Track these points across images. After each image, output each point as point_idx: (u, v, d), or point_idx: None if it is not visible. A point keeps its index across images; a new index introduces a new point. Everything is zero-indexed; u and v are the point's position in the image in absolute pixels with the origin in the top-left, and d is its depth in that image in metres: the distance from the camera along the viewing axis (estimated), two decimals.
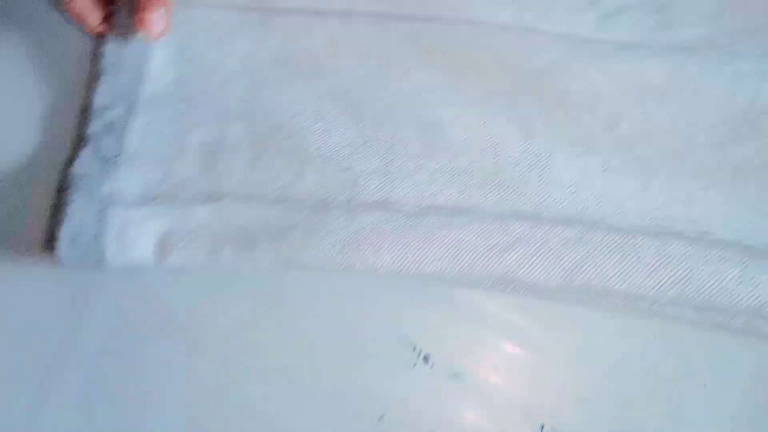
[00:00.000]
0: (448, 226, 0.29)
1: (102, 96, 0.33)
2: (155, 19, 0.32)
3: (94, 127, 0.33)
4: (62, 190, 0.32)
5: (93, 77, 0.35)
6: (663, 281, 0.28)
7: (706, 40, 0.32)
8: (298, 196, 0.31)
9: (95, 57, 0.35)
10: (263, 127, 0.33)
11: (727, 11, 0.33)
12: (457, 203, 0.30)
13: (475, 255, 0.29)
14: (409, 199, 0.30)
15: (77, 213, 0.31)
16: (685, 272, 0.28)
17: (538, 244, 0.29)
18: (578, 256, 0.28)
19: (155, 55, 0.34)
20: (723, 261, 0.28)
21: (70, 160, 0.33)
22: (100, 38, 0.35)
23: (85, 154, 0.32)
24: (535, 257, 0.28)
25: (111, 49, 0.34)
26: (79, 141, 0.33)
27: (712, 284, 0.28)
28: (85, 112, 0.34)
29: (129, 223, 0.31)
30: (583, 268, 0.28)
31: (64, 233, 0.30)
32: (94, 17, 0.34)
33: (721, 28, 0.32)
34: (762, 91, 0.30)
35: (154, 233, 0.31)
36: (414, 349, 0.31)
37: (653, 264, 0.28)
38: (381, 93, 0.33)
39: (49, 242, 0.31)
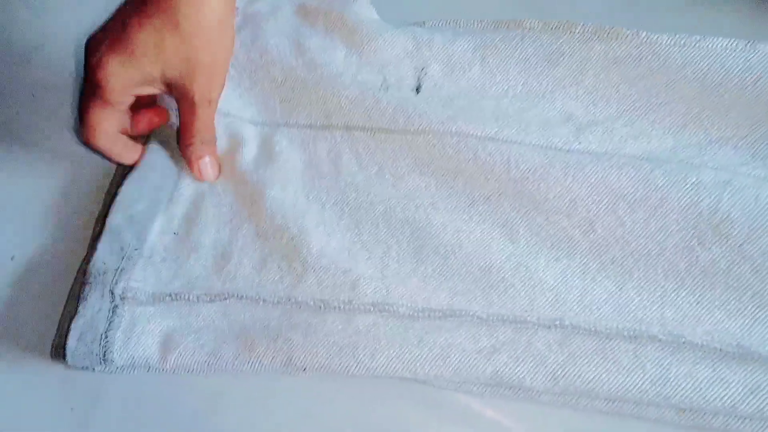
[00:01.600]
0: (439, 330, 0.31)
1: (130, 190, 0.35)
2: (205, 167, 0.36)
3: (116, 219, 0.34)
4: (77, 286, 0.33)
5: (121, 173, 0.36)
6: (641, 383, 0.29)
7: (670, 151, 0.35)
8: (299, 298, 0.32)
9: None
10: (269, 228, 0.34)
11: (689, 125, 0.35)
12: (447, 306, 0.32)
13: (464, 358, 0.30)
14: (404, 302, 0.32)
15: (90, 309, 0.32)
16: (661, 373, 0.29)
17: (523, 347, 0.30)
18: (561, 359, 0.30)
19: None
20: (695, 363, 0.30)
21: (87, 257, 0.33)
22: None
23: (104, 247, 0.33)
24: (520, 360, 0.30)
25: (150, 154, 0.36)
26: (98, 235, 0.34)
27: (687, 384, 0.29)
28: (106, 207, 0.35)
29: (137, 320, 0.32)
30: (566, 371, 0.30)
31: (74, 328, 0.31)
32: (128, 156, 0.36)
33: (684, 140, 0.35)
34: (723, 200, 0.32)
35: (159, 330, 0.32)
36: None
37: (630, 366, 0.30)
38: (377, 198, 0.35)
39: (60, 339, 0.32)
